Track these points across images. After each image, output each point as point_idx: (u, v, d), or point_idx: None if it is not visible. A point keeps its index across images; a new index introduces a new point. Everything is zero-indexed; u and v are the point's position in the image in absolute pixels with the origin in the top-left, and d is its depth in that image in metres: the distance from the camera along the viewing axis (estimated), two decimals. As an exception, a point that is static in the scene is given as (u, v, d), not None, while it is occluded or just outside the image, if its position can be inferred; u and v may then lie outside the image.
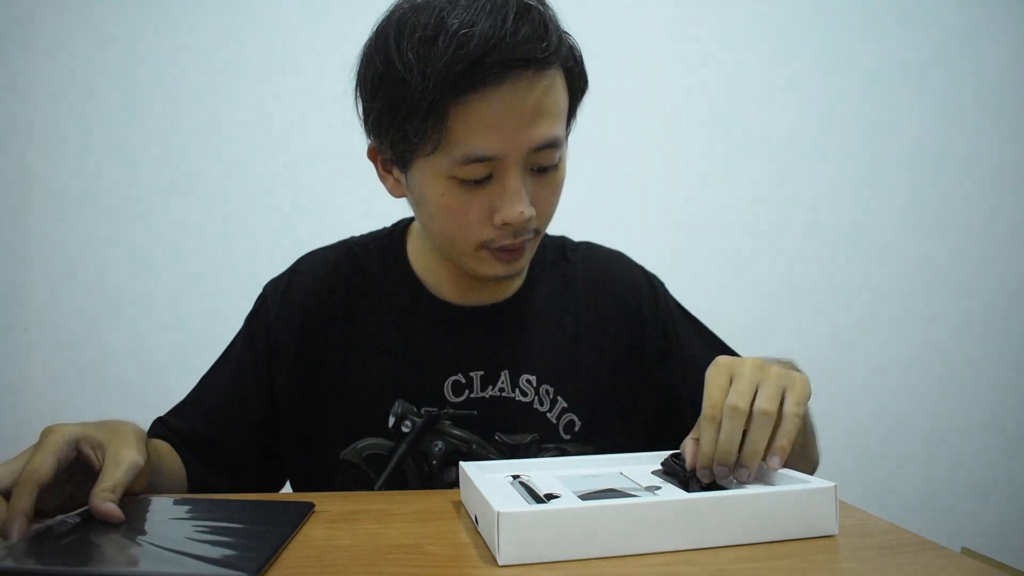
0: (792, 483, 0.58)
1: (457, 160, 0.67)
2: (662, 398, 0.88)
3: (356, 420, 0.81)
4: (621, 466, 0.68)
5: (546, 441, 0.82)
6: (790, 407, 0.59)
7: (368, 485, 0.80)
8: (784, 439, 0.58)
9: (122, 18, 1.74)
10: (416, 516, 0.61)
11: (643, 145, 1.87)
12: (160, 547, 0.49)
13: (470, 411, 0.81)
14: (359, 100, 0.73)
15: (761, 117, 1.90)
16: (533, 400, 0.82)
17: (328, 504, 0.63)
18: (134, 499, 0.60)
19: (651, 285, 0.92)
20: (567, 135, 0.75)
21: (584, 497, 0.56)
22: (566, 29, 0.71)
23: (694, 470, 0.59)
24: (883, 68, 1.93)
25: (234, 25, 1.76)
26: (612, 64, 1.76)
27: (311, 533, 0.56)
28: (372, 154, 0.78)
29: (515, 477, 0.64)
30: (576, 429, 0.83)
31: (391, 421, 0.80)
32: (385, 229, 0.91)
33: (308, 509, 0.61)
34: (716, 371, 0.61)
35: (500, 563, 0.48)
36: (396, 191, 0.78)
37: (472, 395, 0.82)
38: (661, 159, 1.88)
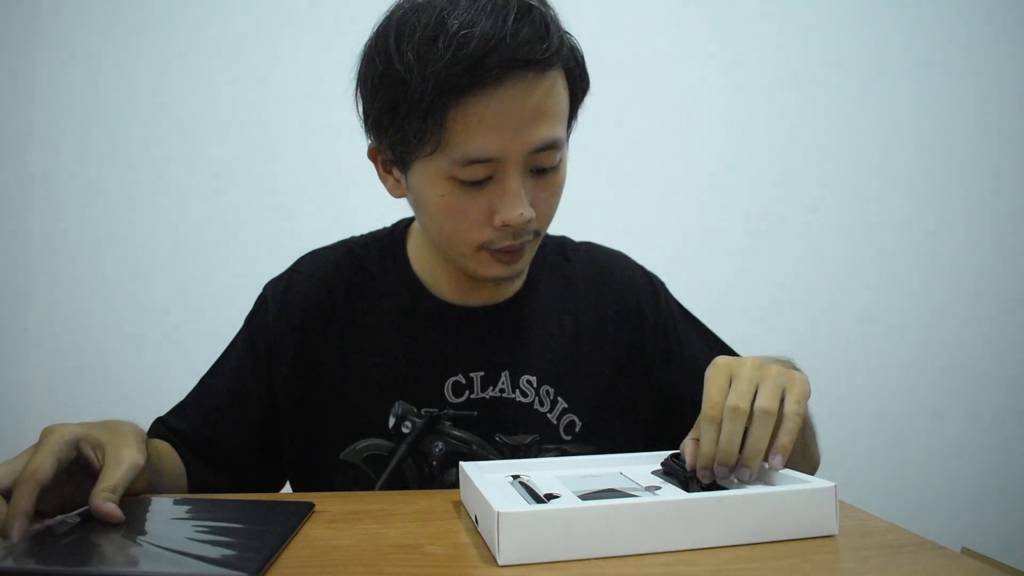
0: (792, 483, 0.58)
1: (457, 161, 0.67)
2: (662, 398, 0.88)
3: (356, 420, 0.81)
4: (621, 466, 0.68)
5: (546, 442, 0.82)
6: (791, 406, 0.59)
7: (368, 486, 0.80)
8: (785, 438, 0.58)
9: (122, 18, 1.74)
10: (416, 516, 0.61)
11: (645, 145, 1.87)
12: (160, 547, 0.49)
13: (470, 412, 0.81)
14: (359, 100, 0.73)
15: (763, 117, 1.90)
16: (533, 401, 0.82)
17: (328, 504, 0.63)
18: (134, 499, 0.60)
19: (652, 285, 0.92)
20: (568, 136, 0.75)
21: (584, 497, 0.56)
22: (568, 29, 0.71)
23: (694, 470, 0.59)
24: (887, 68, 1.93)
25: (234, 25, 1.76)
26: (614, 64, 1.76)
27: (311, 533, 0.56)
28: (372, 154, 0.78)
29: (515, 477, 0.64)
30: (576, 430, 0.83)
31: (391, 422, 0.80)
32: (385, 229, 0.91)
33: (308, 509, 0.61)
34: (715, 371, 0.61)
35: (500, 563, 0.48)
36: (396, 191, 0.78)
37: (472, 396, 0.81)
38: (663, 159, 1.88)
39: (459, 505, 0.63)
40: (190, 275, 1.74)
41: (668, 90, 1.88)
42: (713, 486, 0.58)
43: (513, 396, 0.82)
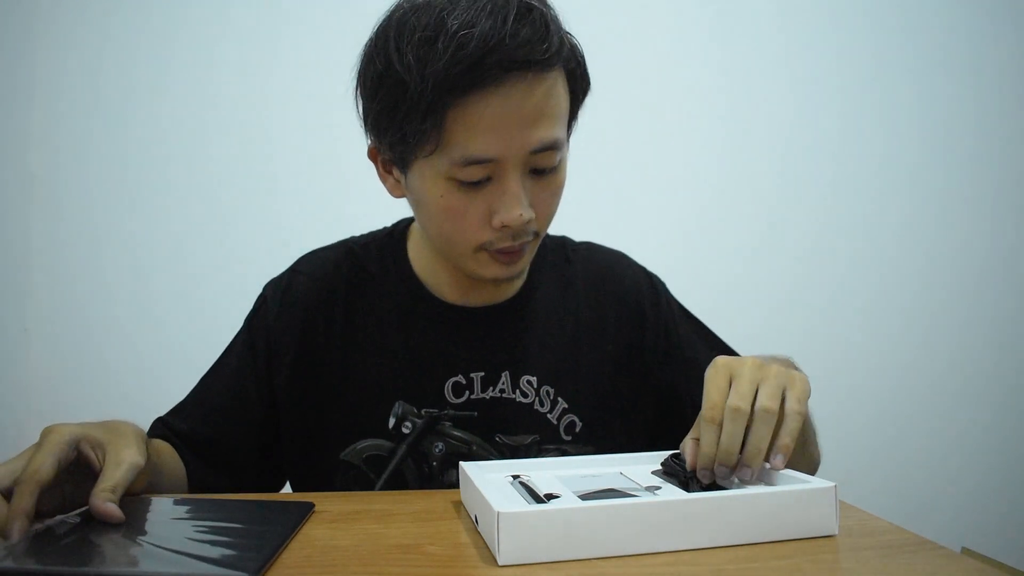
0: (792, 483, 0.58)
1: (456, 161, 0.67)
2: (663, 398, 0.88)
3: (356, 421, 0.81)
4: (621, 466, 0.68)
5: (547, 442, 0.82)
6: (792, 404, 0.59)
7: (368, 486, 0.80)
8: (787, 437, 0.58)
9: (121, 18, 1.74)
10: (416, 516, 0.61)
11: (646, 145, 1.87)
12: (160, 547, 0.49)
13: (470, 412, 0.81)
14: (359, 100, 0.73)
15: (765, 118, 1.90)
16: (534, 401, 0.82)
17: (328, 504, 0.63)
18: (134, 499, 0.60)
19: (652, 285, 0.92)
20: (568, 137, 0.75)
21: (584, 497, 0.56)
22: (569, 29, 0.71)
23: (694, 470, 0.59)
24: (888, 69, 1.93)
25: (234, 25, 1.76)
26: (615, 64, 1.76)
27: (311, 533, 0.56)
28: (372, 154, 0.78)
29: (515, 477, 0.64)
30: (577, 430, 0.83)
31: (391, 422, 0.80)
32: (385, 229, 0.91)
33: (308, 509, 0.61)
34: (715, 371, 0.61)
35: (500, 563, 0.48)
36: (396, 191, 0.78)
37: (472, 396, 0.81)
38: (664, 159, 1.88)
39: (459, 505, 0.63)
40: (190, 275, 1.74)
41: (669, 90, 1.88)
42: (713, 486, 0.58)
43: (513, 396, 0.82)
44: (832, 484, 0.55)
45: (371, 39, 0.70)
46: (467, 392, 0.81)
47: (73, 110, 1.72)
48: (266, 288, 0.89)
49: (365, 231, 0.92)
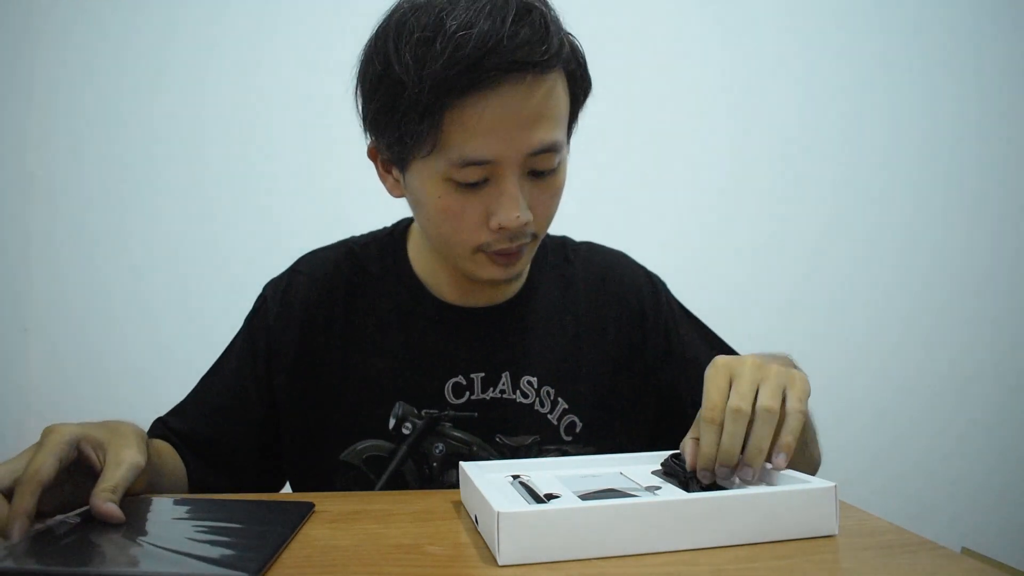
0: (792, 483, 0.58)
1: (453, 163, 0.67)
2: (663, 398, 0.88)
3: (356, 421, 0.81)
4: (621, 466, 0.68)
5: (547, 443, 0.82)
6: (792, 404, 0.58)
7: (368, 487, 0.80)
8: (788, 437, 0.57)
9: (120, 18, 1.73)
10: (416, 516, 0.61)
11: (648, 146, 1.87)
12: (160, 547, 0.49)
13: (471, 413, 0.81)
14: (359, 100, 0.73)
15: (767, 118, 1.90)
16: (534, 402, 0.82)
17: (328, 504, 0.63)
18: (134, 499, 0.60)
19: (652, 285, 0.92)
20: (569, 138, 0.75)
21: (584, 497, 0.56)
22: (570, 30, 0.71)
23: (694, 470, 0.59)
24: (892, 69, 1.93)
25: (233, 25, 1.76)
26: (617, 65, 1.76)
27: (311, 533, 0.56)
28: (372, 154, 0.78)
29: (515, 477, 0.64)
30: (577, 430, 0.83)
31: (391, 423, 0.80)
32: (385, 229, 0.91)
33: (308, 509, 0.61)
34: (715, 371, 0.61)
35: (500, 563, 0.48)
36: (395, 191, 0.78)
37: (473, 397, 0.81)
38: (666, 160, 1.88)
39: (459, 505, 0.63)
40: (190, 275, 1.74)
41: (671, 91, 1.88)
42: (713, 486, 0.58)
43: (514, 397, 0.82)
44: (832, 484, 0.55)
45: (371, 39, 0.70)
46: (467, 393, 0.81)
47: (72, 110, 1.72)
48: (266, 288, 0.89)
49: (365, 231, 0.92)
